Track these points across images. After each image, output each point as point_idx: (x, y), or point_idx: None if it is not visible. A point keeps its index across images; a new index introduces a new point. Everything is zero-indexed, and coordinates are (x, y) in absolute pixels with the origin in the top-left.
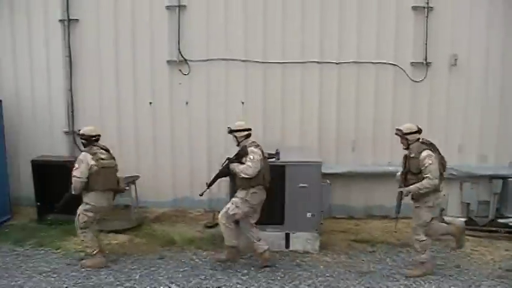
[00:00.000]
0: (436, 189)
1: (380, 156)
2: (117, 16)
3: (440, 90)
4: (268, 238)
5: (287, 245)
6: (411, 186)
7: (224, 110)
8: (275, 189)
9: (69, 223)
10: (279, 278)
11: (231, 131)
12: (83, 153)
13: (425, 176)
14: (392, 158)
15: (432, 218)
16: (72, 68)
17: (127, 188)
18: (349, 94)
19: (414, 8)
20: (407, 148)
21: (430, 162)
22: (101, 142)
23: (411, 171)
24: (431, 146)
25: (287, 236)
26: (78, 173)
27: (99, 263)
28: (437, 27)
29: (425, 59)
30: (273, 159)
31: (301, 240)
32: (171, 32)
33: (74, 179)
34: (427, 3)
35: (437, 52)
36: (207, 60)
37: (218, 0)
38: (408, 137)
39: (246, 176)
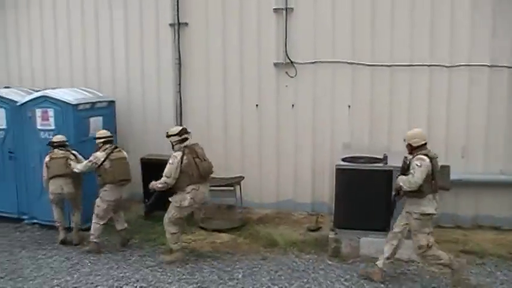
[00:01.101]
0: (182, 191)
1: (491, 164)
2: (225, 19)
3: None
4: (372, 244)
5: None
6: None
7: (330, 113)
8: (381, 194)
9: None
10: (382, 286)
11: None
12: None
13: None
14: (504, 166)
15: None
16: (181, 70)
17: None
18: (459, 98)
19: None
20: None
21: (170, 162)
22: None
23: None
24: (188, 149)
25: None
26: (43, 172)
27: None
28: None
29: None
30: (380, 164)
31: (406, 248)
32: (278, 34)
33: None
34: None
35: None
36: (314, 62)
37: (325, 2)
38: (170, 139)
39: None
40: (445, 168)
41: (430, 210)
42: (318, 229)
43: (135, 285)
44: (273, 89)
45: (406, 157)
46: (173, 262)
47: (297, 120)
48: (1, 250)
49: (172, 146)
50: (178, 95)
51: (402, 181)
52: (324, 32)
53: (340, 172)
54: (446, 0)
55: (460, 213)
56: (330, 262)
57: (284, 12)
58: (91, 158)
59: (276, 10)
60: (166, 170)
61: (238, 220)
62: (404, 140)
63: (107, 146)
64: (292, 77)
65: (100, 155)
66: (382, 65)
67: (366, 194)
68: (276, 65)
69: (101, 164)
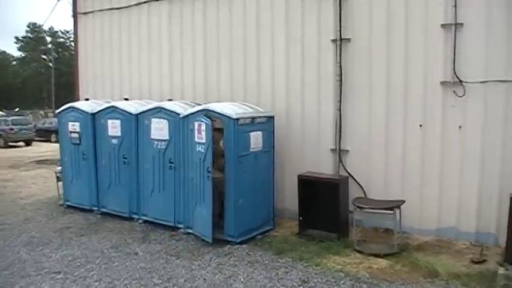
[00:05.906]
0: None
1: None
2: (389, 34)
3: None
4: None
5: None
6: None
7: (501, 136)
8: None
9: (329, 240)
10: None
11: None
12: None
13: None
14: None
15: None
16: (342, 87)
17: None
18: None
19: None
20: None
21: None
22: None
23: None
24: None
25: None
26: None
27: None
28: None
29: None
30: None
31: None
32: (446, 51)
33: None
34: None
35: None
36: (485, 82)
37: (499, 18)
38: None
39: None
40: None
41: None
42: (482, 262)
43: None
44: (438, 109)
45: None
46: None
47: (464, 143)
48: (157, 257)
49: None
50: (338, 112)
51: None
52: (496, 50)
53: None
54: None
55: None
56: None
57: (453, 28)
58: None
59: (444, 26)
60: None
61: (396, 246)
62: None
63: None
64: (460, 96)
65: None
66: None
67: None
68: (442, 83)
69: None
